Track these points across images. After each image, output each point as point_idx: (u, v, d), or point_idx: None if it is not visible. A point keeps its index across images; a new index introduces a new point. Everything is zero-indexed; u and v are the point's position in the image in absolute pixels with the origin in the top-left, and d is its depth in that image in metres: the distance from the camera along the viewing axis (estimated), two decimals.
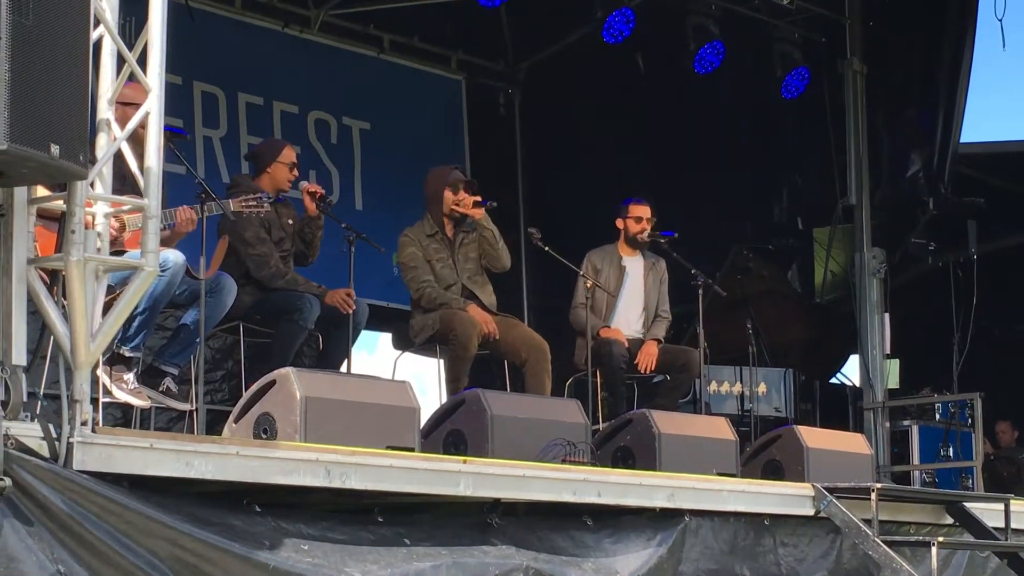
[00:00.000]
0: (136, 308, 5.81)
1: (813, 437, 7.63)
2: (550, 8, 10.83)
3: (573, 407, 6.77)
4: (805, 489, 7.00)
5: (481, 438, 6.19)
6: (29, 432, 4.37)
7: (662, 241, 8.77)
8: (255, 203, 6.86)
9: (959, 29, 10.35)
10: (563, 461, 6.28)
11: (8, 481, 4.20)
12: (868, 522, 6.80)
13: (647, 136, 11.19)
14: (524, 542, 5.76)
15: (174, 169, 6.93)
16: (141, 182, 4.84)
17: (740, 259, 10.93)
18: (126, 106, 5.30)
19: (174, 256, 6.19)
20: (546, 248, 8.17)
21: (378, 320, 9.54)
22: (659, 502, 6.28)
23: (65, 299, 4.59)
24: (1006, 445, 12.28)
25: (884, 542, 6.76)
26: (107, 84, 4.86)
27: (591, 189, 10.91)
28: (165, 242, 6.01)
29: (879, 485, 7.13)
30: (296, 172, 7.64)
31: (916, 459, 10.70)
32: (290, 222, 7.60)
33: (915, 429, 10.74)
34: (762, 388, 10.32)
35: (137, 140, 4.92)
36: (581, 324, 8.32)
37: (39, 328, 4.66)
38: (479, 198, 7.93)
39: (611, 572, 5.95)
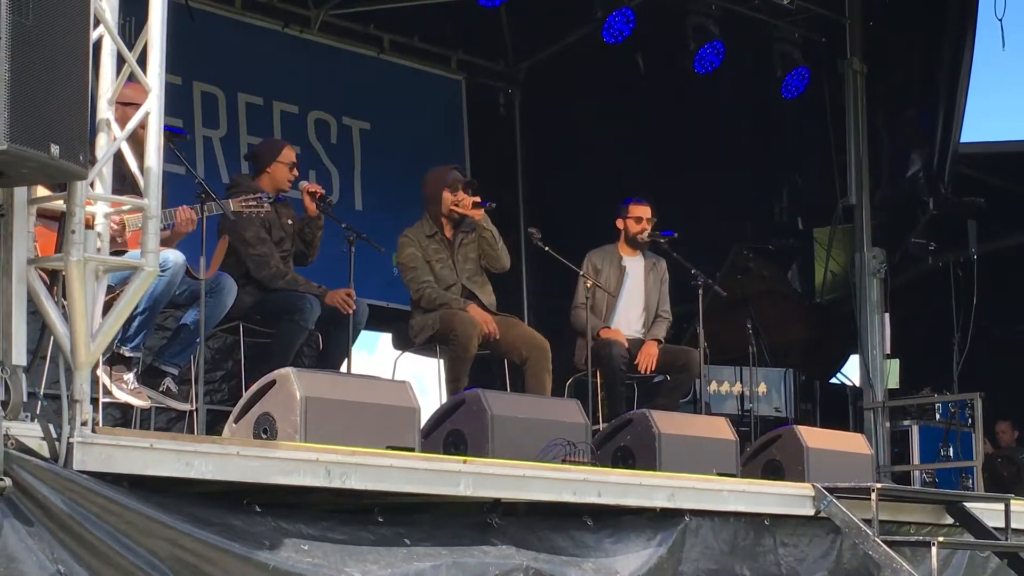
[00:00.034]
0: (136, 308, 5.81)
1: (813, 437, 7.63)
2: (550, 8, 10.83)
3: (573, 407, 6.77)
4: (805, 489, 7.00)
5: (481, 438, 6.19)
6: (29, 432, 4.37)
7: (662, 241, 8.76)
8: (255, 203, 6.86)
9: (959, 29, 10.35)
10: (563, 461, 6.28)
11: (8, 481, 4.20)
12: (868, 522, 6.80)
13: (647, 136, 11.19)
14: (524, 542, 5.76)
15: (174, 169, 6.93)
16: (141, 182, 4.84)
17: (740, 259, 10.93)
18: (126, 106, 5.29)
19: (174, 256, 6.19)
20: (546, 248, 8.17)
21: (378, 320, 9.54)
22: (659, 502, 6.28)
23: (65, 299, 4.59)
24: (1006, 445, 12.27)
25: (884, 542, 6.76)
26: (107, 84, 4.86)
27: (591, 189, 10.91)
28: (165, 242, 6.00)
29: (879, 485, 7.13)
30: (296, 172, 7.64)
31: (916, 459, 10.70)
32: (290, 222, 7.60)
33: (915, 429, 10.74)
34: (762, 388, 10.32)
35: (137, 140, 4.92)
36: (581, 324, 8.32)
37: (39, 328, 4.66)
38: (478, 199, 7.93)
39: (611, 572, 5.95)
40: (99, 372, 6.05)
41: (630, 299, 8.82)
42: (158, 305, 6.29)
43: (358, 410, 5.61)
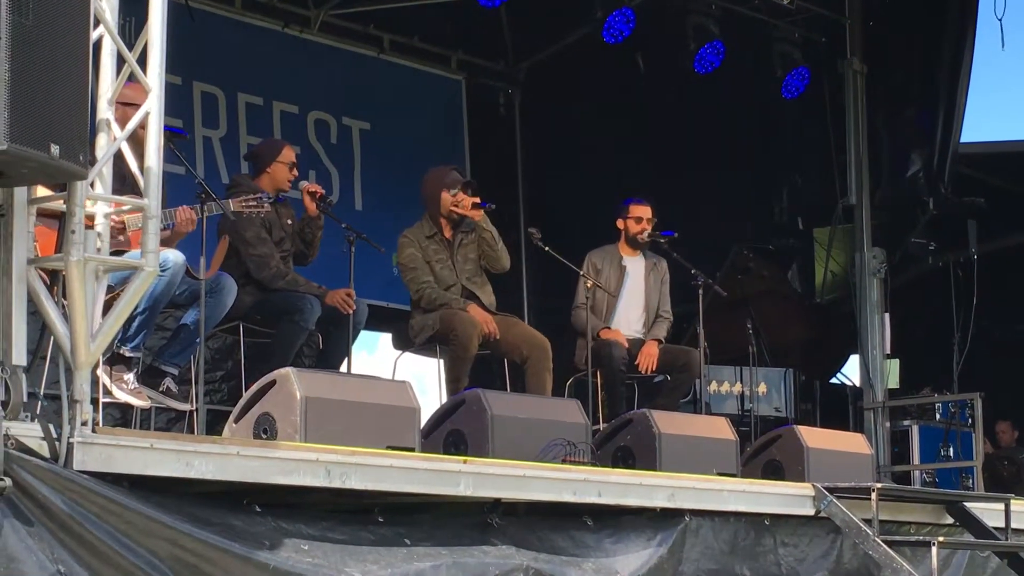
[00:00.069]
0: (136, 308, 5.81)
1: (813, 437, 7.63)
2: (550, 8, 10.83)
3: (573, 407, 6.77)
4: (805, 489, 7.00)
5: (481, 438, 6.19)
6: (29, 432, 4.37)
7: (662, 241, 8.76)
8: (255, 203, 6.86)
9: (959, 29, 10.35)
10: (563, 461, 6.28)
11: (8, 481, 4.20)
12: (868, 522, 6.80)
13: (647, 136, 11.19)
14: (524, 542, 5.76)
15: (174, 169, 6.93)
16: (141, 182, 4.84)
17: (740, 259, 10.93)
18: (126, 106, 5.29)
19: (174, 256, 6.19)
20: (546, 248, 8.17)
21: (378, 320, 9.54)
22: (659, 502, 6.28)
23: (65, 299, 4.59)
24: (1006, 445, 12.27)
25: (884, 542, 6.77)
26: (107, 84, 4.86)
27: (591, 189, 10.90)
28: (165, 242, 6.00)
29: (879, 485, 7.13)
30: (296, 172, 7.63)
31: (916, 459, 10.70)
32: (289, 222, 7.60)
33: (915, 429, 10.74)
34: (762, 388, 10.32)
35: (137, 140, 4.92)
36: (582, 324, 8.32)
37: (39, 328, 4.66)
38: (478, 199, 7.92)
39: (611, 572, 5.95)
40: (99, 372, 6.05)
41: (630, 299, 8.82)
42: (158, 305, 6.29)
43: (358, 410, 5.61)
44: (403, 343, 8.31)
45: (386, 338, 10.69)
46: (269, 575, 4.78)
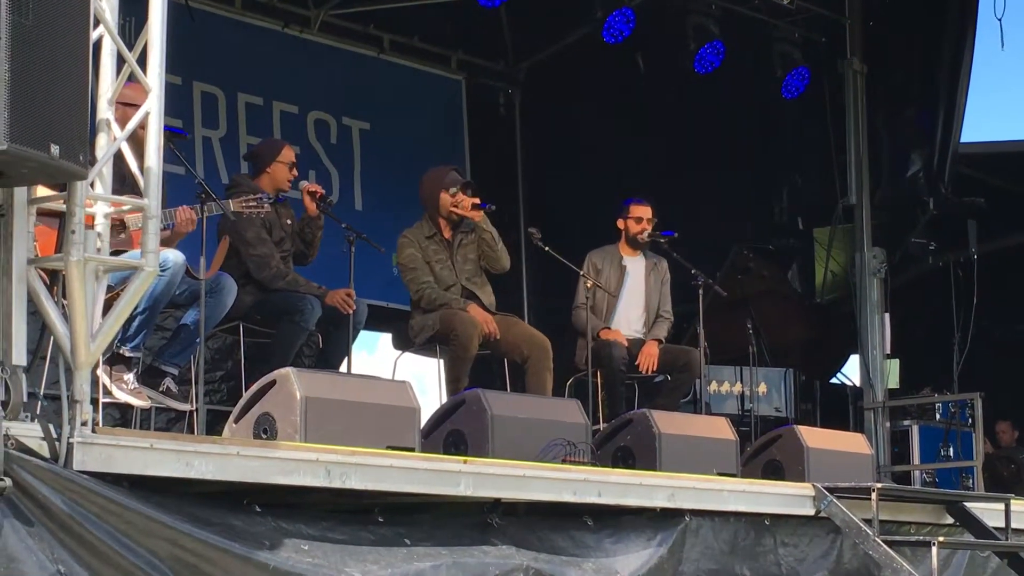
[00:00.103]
0: (136, 308, 5.81)
1: (813, 437, 7.63)
2: (550, 8, 10.83)
3: (573, 407, 6.77)
4: (805, 489, 7.00)
5: (481, 438, 6.19)
6: (29, 432, 4.37)
7: (662, 241, 8.77)
8: (255, 204, 6.86)
9: (959, 29, 10.35)
10: (563, 461, 6.28)
11: (8, 481, 4.20)
12: (868, 522, 6.80)
13: (647, 136, 11.19)
14: (524, 542, 5.76)
15: (174, 169, 6.93)
16: (141, 182, 4.84)
17: (740, 259, 10.93)
18: (126, 106, 5.29)
19: (174, 256, 6.19)
20: (546, 248, 8.17)
21: (378, 320, 9.53)
22: (659, 502, 6.28)
23: (65, 299, 4.59)
24: (1006, 445, 12.28)
25: (884, 542, 6.77)
26: (107, 84, 4.86)
27: (591, 189, 10.91)
28: (165, 242, 6.00)
29: (879, 485, 7.13)
30: (295, 172, 7.64)
31: (916, 459, 10.70)
32: (289, 222, 7.60)
33: (915, 429, 10.74)
34: (762, 388, 10.32)
35: (137, 140, 4.92)
36: (582, 324, 8.32)
37: (39, 328, 4.66)
38: (477, 200, 7.92)
39: (611, 572, 5.95)
40: (99, 372, 6.04)
41: (630, 299, 8.82)
42: (158, 305, 6.29)
43: (358, 410, 5.61)
44: (403, 343, 8.31)
45: (386, 338, 10.69)
46: (269, 575, 4.78)
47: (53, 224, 4.81)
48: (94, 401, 4.74)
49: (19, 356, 4.45)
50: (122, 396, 6.28)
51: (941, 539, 7.15)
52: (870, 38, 10.92)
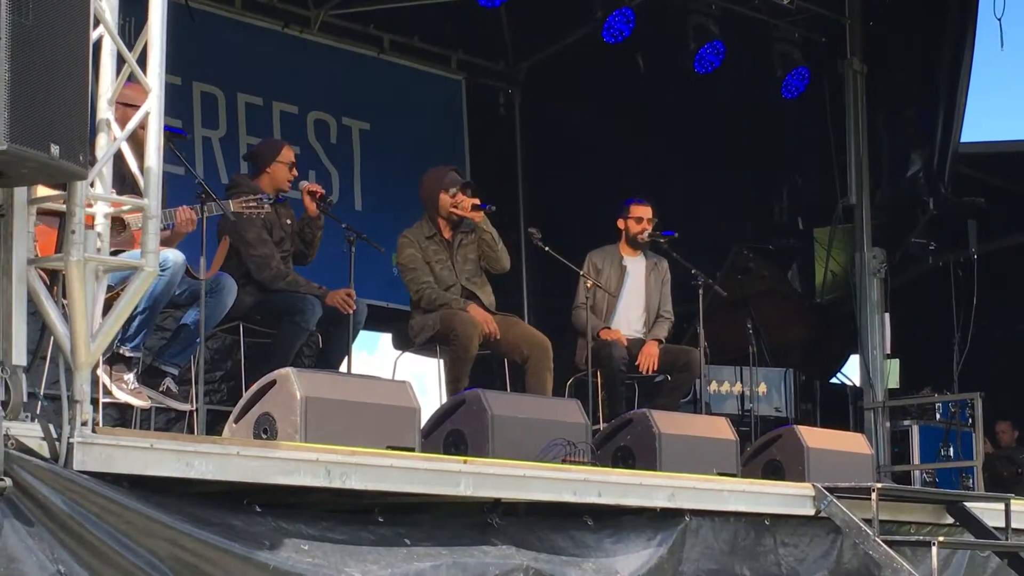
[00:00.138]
0: (136, 308, 5.80)
1: (813, 437, 7.63)
2: (550, 8, 10.83)
3: (573, 407, 6.77)
4: (805, 489, 7.00)
5: (481, 438, 6.19)
6: (29, 432, 4.37)
7: (662, 241, 8.77)
8: (255, 204, 6.86)
9: (959, 29, 10.35)
10: (563, 461, 6.28)
11: (8, 481, 4.20)
12: (868, 522, 6.80)
13: (647, 136, 11.19)
14: (524, 542, 5.76)
15: (174, 170, 6.93)
16: (141, 182, 4.84)
17: (740, 259, 10.93)
18: (126, 107, 5.29)
19: (174, 256, 6.19)
20: (546, 248, 8.17)
21: (378, 320, 9.53)
22: (659, 502, 6.28)
23: (65, 299, 4.59)
24: (1006, 445, 12.27)
25: (885, 542, 6.77)
26: (107, 84, 4.85)
27: (591, 189, 10.90)
28: (165, 242, 6.00)
29: (879, 485, 7.13)
30: (295, 172, 7.63)
31: (916, 459, 10.70)
32: (289, 222, 7.60)
33: (915, 429, 10.74)
34: (762, 388, 10.32)
35: (137, 140, 4.92)
36: (582, 324, 8.32)
37: (39, 328, 4.66)
38: (477, 200, 7.92)
39: (611, 572, 5.95)
40: (99, 372, 6.04)
41: (630, 299, 8.82)
42: (158, 305, 6.29)
43: (358, 410, 5.61)
44: (403, 343, 8.30)
45: (386, 338, 10.67)
46: (269, 575, 4.78)
47: (53, 224, 4.81)
48: (94, 401, 4.74)
49: (19, 356, 4.45)
50: (122, 396, 6.28)
51: (941, 539, 7.15)
52: (870, 38, 10.92)
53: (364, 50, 10.86)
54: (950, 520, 7.71)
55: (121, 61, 4.83)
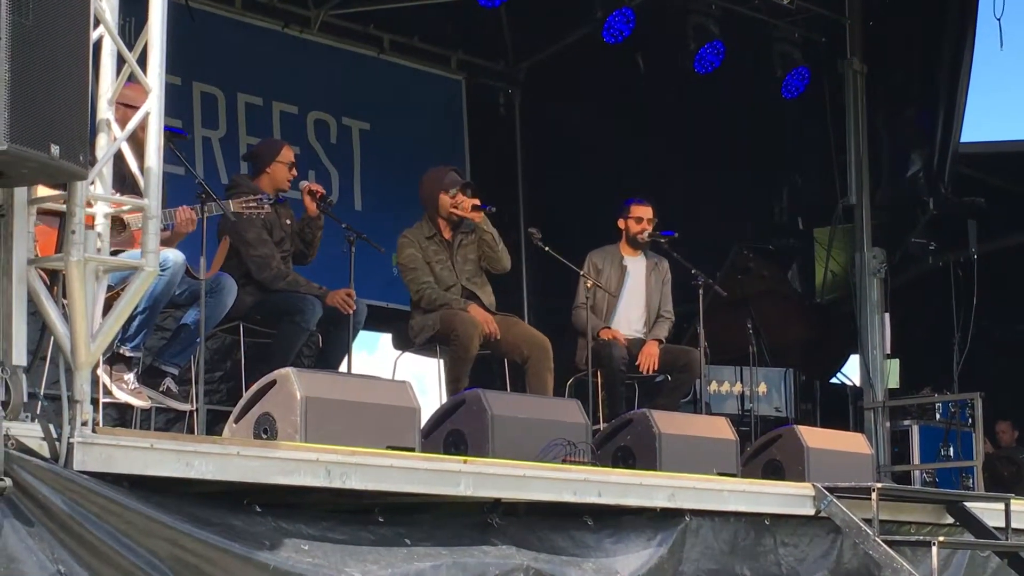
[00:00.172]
0: (136, 308, 5.80)
1: (813, 437, 7.63)
2: (550, 8, 10.83)
3: (573, 407, 6.77)
4: (805, 489, 7.00)
5: (481, 438, 6.19)
6: (29, 432, 4.37)
7: (662, 241, 8.77)
8: (255, 204, 6.86)
9: (959, 29, 10.35)
10: (563, 461, 6.28)
11: (8, 481, 4.20)
12: (869, 522, 6.80)
13: (647, 136, 11.19)
14: (524, 542, 5.76)
15: (174, 170, 6.92)
16: (141, 182, 4.84)
17: (740, 259, 10.93)
18: (126, 108, 5.29)
19: (174, 255, 6.19)
20: (546, 248, 8.17)
21: (378, 320, 9.53)
22: (659, 502, 6.28)
23: (65, 299, 4.59)
24: (1006, 445, 12.28)
25: (885, 542, 6.77)
26: (107, 84, 4.85)
27: (591, 189, 10.90)
28: (165, 242, 6.00)
29: (879, 485, 7.13)
30: (295, 172, 7.64)
31: (916, 459, 10.70)
32: (288, 222, 7.60)
33: (915, 429, 10.74)
34: (762, 388, 10.32)
35: (137, 141, 4.92)
36: (582, 324, 8.33)
37: (39, 328, 4.66)
38: (477, 201, 7.92)
39: (611, 572, 5.95)
40: (99, 372, 6.04)
41: (631, 299, 8.82)
42: (158, 305, 6.29)
43: (358, 410, 5.61)
44: (403, 343, 8.30)
45: (386, 338, 10.67)
46: (269, 575, 4.78)
47: (53, 224, 4.81)
48: (94, 401, 4.74)
49: (19, 356, 4.45)
50: (122, 396, 6.28)
51: (941, 539, 7.15)
52: (870, 38, 10.92)
53: (364, 50, 10.85)
54: (950, 520, 7.71)
55: (121, 61, 4.83)
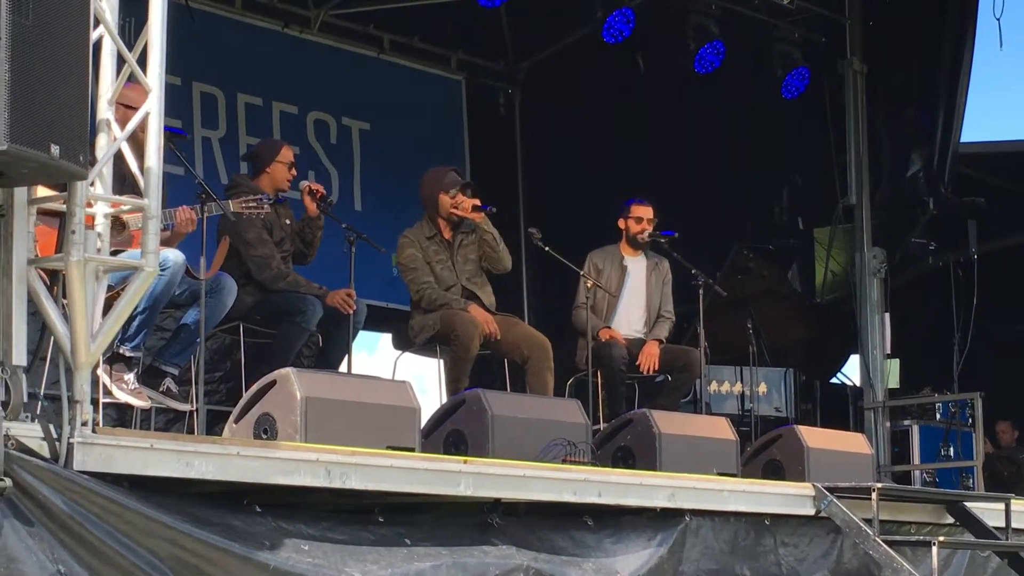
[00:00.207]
0: (136, 308, 5.80)
1: (813, 437, 7.62)
2: (550, 8, 10.83)
3: (573, 407, 6.77)
4: (806, 489, 7.00)
5: (481, 438, 6.19)
6: (29, 432, 4.37)
7: (662, 241, 8.77)
8: (255, 204, 6.86)
9: (959, 29, 10.35)
10: (563, 461, 6.28)
11: (8, 481, 4.20)
12: (869, 522, 6.80)
13: (647, 136, 11.19)
14: (524, 542, 5.75)
15: (174, 170, 6.92)
16: (141, 182, 4.84)
17: (740, 259, 10.93)
18: (126, 108, 5.29)
19: (174, 255, 6.19)
20: (546, 248, 8.17)
21: (378, 320, 9.53)
22: (659, 502, 6.28)
23: (65, 299, 4.59)
24: (1006, 445, 12.27)
25: (885, 542, 6.76)
26: (107, 84, 4.85)
27: (591, 189, 10.91)
28: (165, 242, 6.00)
29: (880, 485, 7.13)
30: (295, 172, 7.64)
31: (917, 459, 10.70)
32: (288, 222, 7.60)
33: (915, 429, 10.74)
34: (762, 388, 10.32)
35: (137, 141, 4.92)
36: (582, 324, 8.33)
37: (39, 328, 4.66)
38: (477, 201, 7.92)
39: (611, 572, 5.95)
40: (99, 372, 6.04)
41: (631, 299, 8.82)
42: (158, 305, 6.29)
43: (358, 410, 5.61)
44: (403, 343, 8.31)
45: (386, 338, 10.67)
46: (269, 575, 4.78)
47: (53, 224, 4.81)
48: (94, 401, 4.74)
49: (19, 356, 4.45)
50: (122, 396, 6.28)
51: (941, 539, 7.15)
52: (870, 38, 10.92)
53: (364, 50, 10.85)
54: (950, 520, 7.71)
55: (121, 61, 4.83)
